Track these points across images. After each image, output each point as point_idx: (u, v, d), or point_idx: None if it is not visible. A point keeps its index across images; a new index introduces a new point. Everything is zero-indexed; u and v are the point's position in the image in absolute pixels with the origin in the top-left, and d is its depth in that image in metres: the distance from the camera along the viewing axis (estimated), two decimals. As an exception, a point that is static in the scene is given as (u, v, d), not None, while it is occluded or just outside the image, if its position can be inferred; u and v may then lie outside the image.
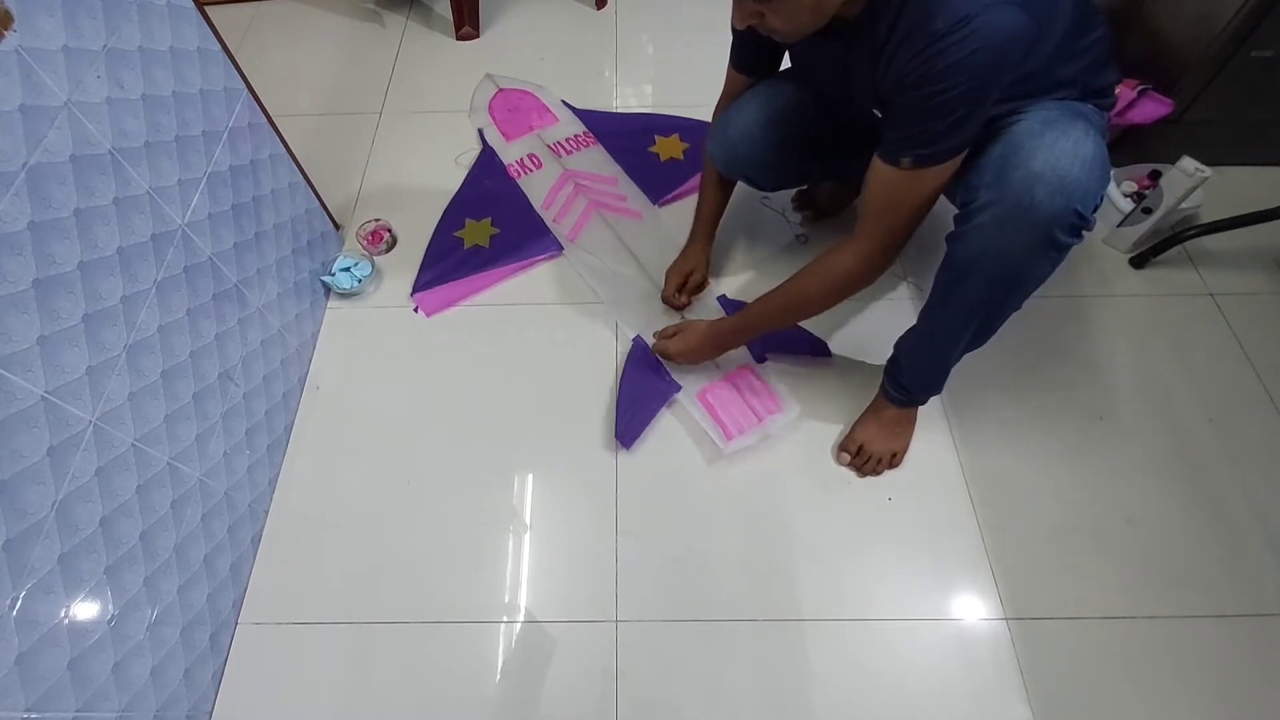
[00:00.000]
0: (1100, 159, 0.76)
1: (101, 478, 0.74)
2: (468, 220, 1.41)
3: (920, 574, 1.02)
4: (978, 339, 0.95)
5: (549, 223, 1.40)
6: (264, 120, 1.09)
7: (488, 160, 1.52)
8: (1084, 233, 0.77)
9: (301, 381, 1.22)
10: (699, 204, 1.25)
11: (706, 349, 1.14)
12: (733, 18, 0.81)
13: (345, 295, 1.32)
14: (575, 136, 1.56)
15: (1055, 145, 0.75)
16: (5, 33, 0.62)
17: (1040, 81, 0.81)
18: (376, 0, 1.91)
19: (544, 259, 1.36)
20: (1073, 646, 0.96)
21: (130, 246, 0.78)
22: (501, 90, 1.65)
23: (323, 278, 1.29)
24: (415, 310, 1.31)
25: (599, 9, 1.87)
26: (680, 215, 1.37)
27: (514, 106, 1.62)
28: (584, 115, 1.60)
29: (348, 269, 1.31)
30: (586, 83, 1.69)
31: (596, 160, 1.52)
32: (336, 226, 1.39)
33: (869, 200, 0.86)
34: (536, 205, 1.43)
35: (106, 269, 0.75)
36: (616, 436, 1.13)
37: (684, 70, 1.71)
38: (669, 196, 1.45)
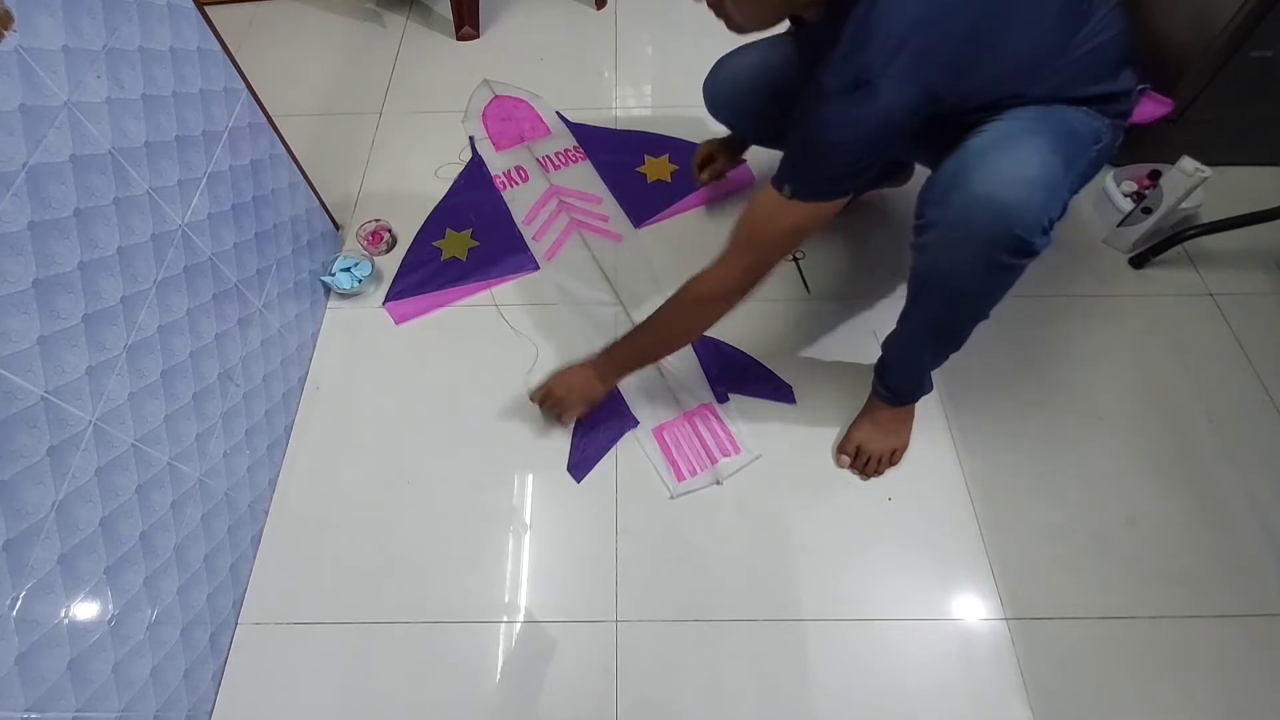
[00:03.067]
0: (1043, 181, 0.73)
1: (101, 478, 0.74)
2: (449, 230, 1.41)
3: (920, 574, 1.02)
4: (947, 346, 0.95)
5: (528, 240, 1.39)
6: (264, 120, 1.09)
7: (475, 169, 1.51)
8: (1035, 251, 0.75)
9: (301, 381, 1.22)
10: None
11: (592, 385, 1.08)
12: None
13: (345, 295, 1.32)
14: (565, 151, 1.54)
15: (996, 166, 0.74)
16: (5, 33, 0.62)
17: (1008, 99, 0.79)
18: (376, 0, 1.91)
19: (517, 277, 1.35)
20: (1073, 646, 0.96)
21: (130, 246, 0.78)
22: (497, 97, 1.64)
23: (323, 278, 1.30)
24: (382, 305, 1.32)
25: (599, 9, 1.87)
26: (661, 238, 1.39)
27: (508, 115, 1.60)
28: (577, 129, 1.58)
29: (348, 269, 1.31)
30: (586, 83, 1.69)
31: (584, 177, 1.50)
32: (336, 226, 1.39)
33: (744, 216, 0.86)
34: (518, 220, 1.42)
35: (106, 269, 0.75)
36: (568, 469, 1.12)
37: (684, 70, 1.70)
38: (651, 219, 1.42)
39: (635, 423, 1.16)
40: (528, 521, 1.09)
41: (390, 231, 1.39)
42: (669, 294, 1.22)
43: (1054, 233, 0.76)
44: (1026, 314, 1.24)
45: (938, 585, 1.01)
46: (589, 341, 1.24)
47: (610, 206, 1.45)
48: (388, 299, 1.32)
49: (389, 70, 1.74)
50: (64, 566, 0.69)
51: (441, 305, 1.31)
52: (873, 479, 1.10)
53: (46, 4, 0.67)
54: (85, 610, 0.72)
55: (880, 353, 1.06)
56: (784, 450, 1.13)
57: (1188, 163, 1.17)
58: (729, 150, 1.35)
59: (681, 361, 1.22)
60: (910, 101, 0.70)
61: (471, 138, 1.57)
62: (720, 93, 1.17)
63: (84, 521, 0.72)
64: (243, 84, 1.03)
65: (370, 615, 1.01)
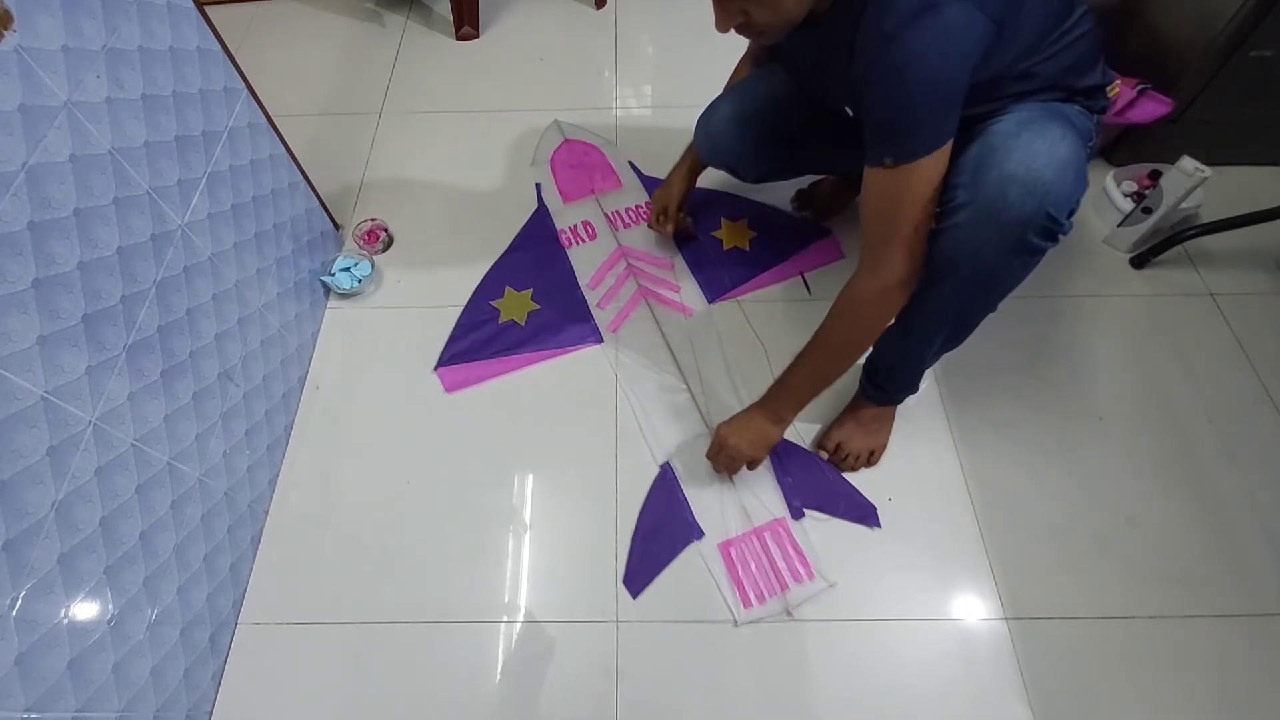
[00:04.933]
0: (1075, 163, 0.75)
1: (101, 478, 0.74)
2: (508, 289, 1.32)
3: (920, 574, 1.02)
4: (952, 340, 0.95)
5: (592, 307, 1.29)
6: (264, 120, 1.09)
7: (539, 221, 1.42)
8: (1058, 236, 0.77)
9: (301, 381, 1.22)
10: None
11: (766, 430, 1.01)
12: (716, 22, 0.80)
13: (345, 295, 1.32)
14: (637, 207, 1.43)
15: (1031, 146, 0.74)
16: (5, 33, 0.62)
17: (1014, 81, 0.80)
18: (376, 0, 1.91)
19: (579, 349, 1.25)
20: (1073, 646, 0.96)
21: (130, 246, 0.78)
22: (567, 141, 1.55)
23: (322, 278, 1.29)
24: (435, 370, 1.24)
25: (599, 9, 1.87)
26: (735, 317, 1.28)
27: (578, 163, 1.51)
28: (650, 182, 1.47)
29: (347, 269, 1.31)
30: (586, 83, 1.69)
31: (654, 238, 1.39)
32: (336, 226, 1.39)
33: (866, 212, 0.83)
34: (582, 282, 1.33)
35: (106, 269, 0.75)
36: (624, 581, 1.03)
37: (684, 70, 1.71)
38: (726, 294, 1.31)
39: (700, 534, 1.06)
40: (528, 521, 1.09)
41: (386, 231, 1.39)
42: (740, 385, 1.18)
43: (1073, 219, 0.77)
44: (1027, 314, 1.24)
45: (938, 585, 1.01)
46: (649, 421, 1.16)
47: (683, 275, 1.34)
48: (440, 364, 1.23)
49: (389, 70, 1.74)
50: (64, 566, 0.69)
51: (495, 375, 1.23)
52: (871, 480, 1.10)
53: (46, 4, 0.67)
54: (85, 610, 0.72)
55: (870, 350, 1.06)
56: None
57: (1188, 163, 1.17)
58: (682, 192, 1.27)
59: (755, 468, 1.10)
60: (978, 23, 0.69)
61: (538, 186, 1.48)
62: (719, 144, 1.15)
63: (84, 521, 0.72)
64: (243, 84, 1.03)
65: (370, 615, 1.01)
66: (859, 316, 0.88)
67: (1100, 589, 1.00)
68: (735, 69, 1.21)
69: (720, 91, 1.17)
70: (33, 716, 0.65)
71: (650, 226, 1.33)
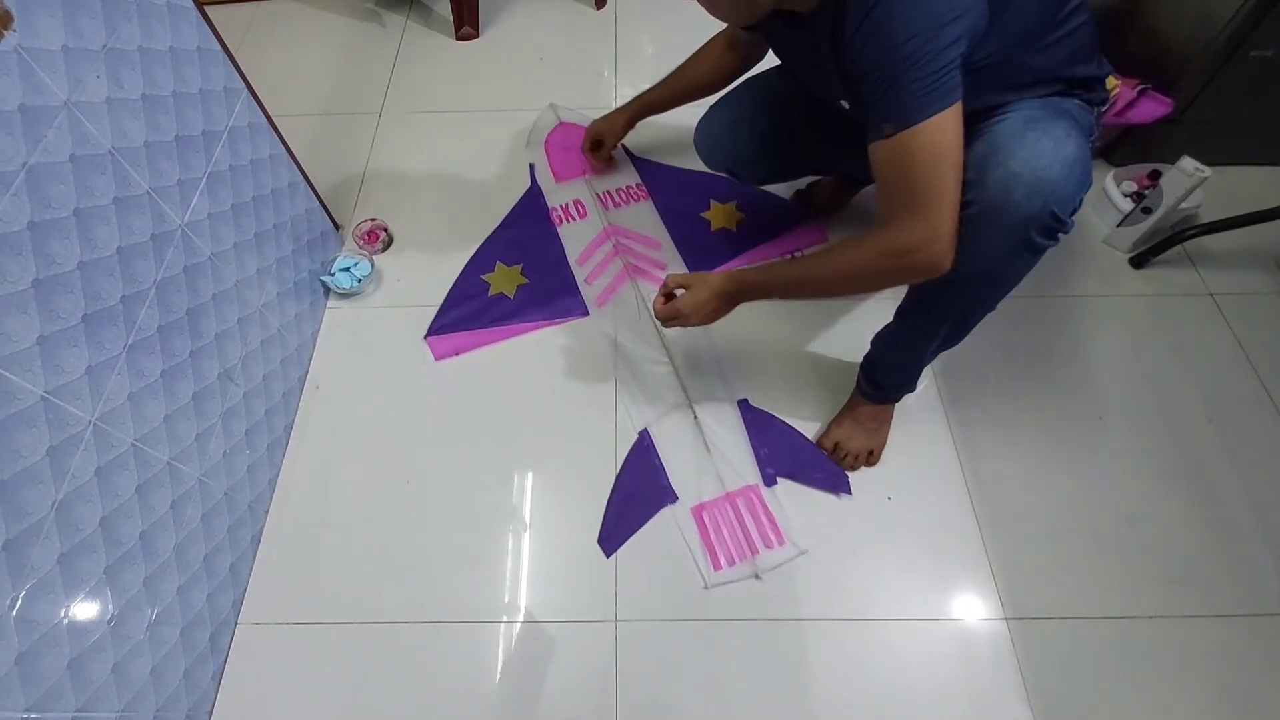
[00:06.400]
0: (1080, 162, 0.75)
1: (101, 478, 0.74)
2: (498, 264, 1.35)
3: (920, 574, 1.02)
4: (951, 339, 0.95)
5: (579, 282, 1.33)
6: (264, 120, 1.09)
7: (531, 200, 1.45)
8: (1060, 235, 0.77)
9: (301, 381, 1.22)
10: (665, 79, 1.26)
11: (719, 308, 0.97)
12: None
13: (345, 295, 1.32)
14: (627, 188, 1.46)
15: (1036, 145, 0.74)
16: (5, 32, 0.62)
17: (1014, 74, 0.80)
18: (376, 0, 1.91)
19: (566, 321, 1.29)
20: (1073, 646, 0.96)
21: (130, 246, 0.78)
22: (562, 124, 1.57)
23: (322, 278, 1.30)
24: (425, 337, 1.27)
25: (599, 9, 1.87)
26: None
27: (571, 145, 1.52)
28: (641, 164, 1.50)
29: (347, 269, 1.31)
30: (586, 83, 1.69)
31: (644, 218, 1.41)
32: (336, 226, 1.39)
33: (877, 187, 0.78)
34: (571, 259, 1.36)
35: (106, 269, 0.75)
36: (599, 541, 1.06)
37: (684, 70, 1.71)
38: (712, 272, 1.32)
39: (674, 498, 1.09)
40: (528, 521, 1.09)
41: (386, 231, 1.39)
42: (724, 362, 1.20)
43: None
44: (1027, 314, 1.24)
45: (938, 585, 1.01)
46: (630, 390, 1.19)
47: (669, 253, 1.36)
48: (430, 333, 1.27)
49: (389, 70, 1.74)
50: (64, 566, 0.69)
51: (484, 345, 1.26)
52: (871, 480, 1.10)
53: (46, 4, 0.67)
54: (85, 610, 0.72)
55: (868, 349, 1.06)
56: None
57: (1188, 163, 1.17)
58: (622, 132, 1.37)
59: (728, 435, 1.14)
60: None
61: (531, 166, 1.51)
62: (721, 147, 1.16)
63: (84, 521, 0.72)
64: (242, 84, 1.03)
65: (370, 615, 1.01)
66: (852, 261, 0.83)
67: (1100, 589, 1.00)
68: (703, 47, 1.20)
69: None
70: (33, 716, 0.65)
71: (584, 152, 1.43)
